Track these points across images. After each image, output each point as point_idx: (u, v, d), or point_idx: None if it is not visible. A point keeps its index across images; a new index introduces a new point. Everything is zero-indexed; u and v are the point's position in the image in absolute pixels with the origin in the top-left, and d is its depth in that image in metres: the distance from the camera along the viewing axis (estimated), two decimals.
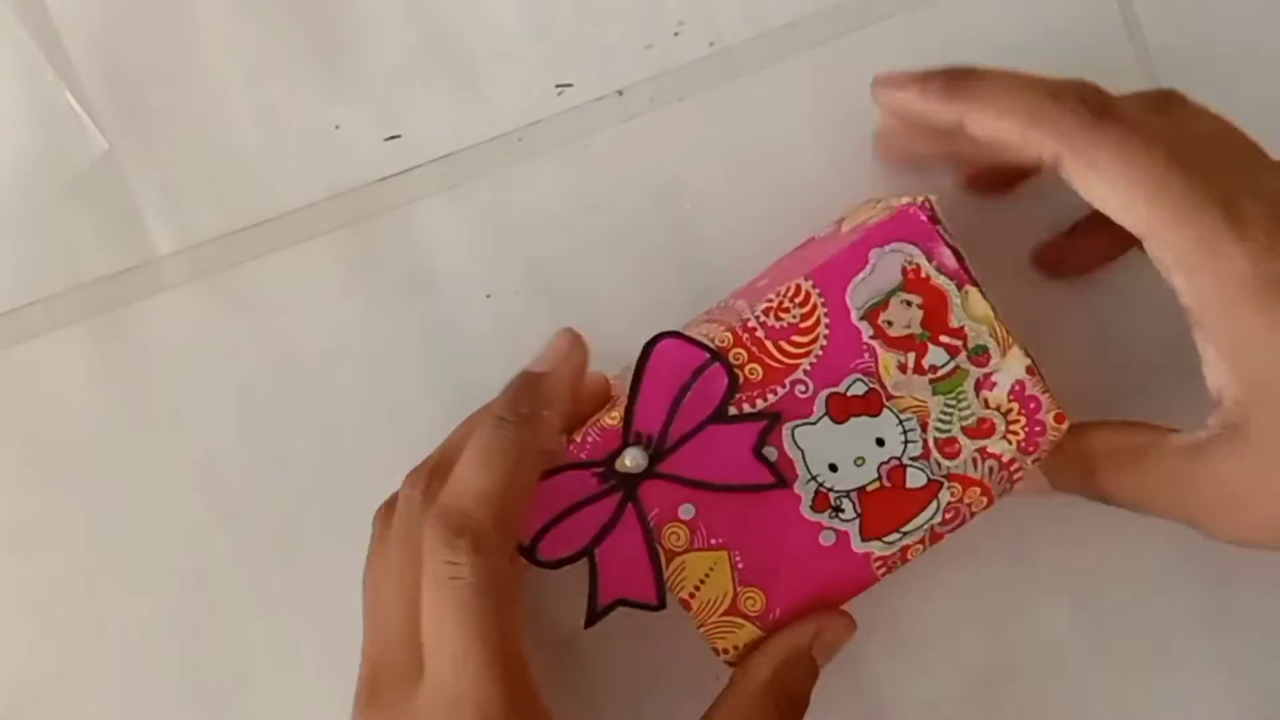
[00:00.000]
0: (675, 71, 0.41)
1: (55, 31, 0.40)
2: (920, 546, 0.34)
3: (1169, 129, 0.32)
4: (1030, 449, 0.34)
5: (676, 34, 0.41)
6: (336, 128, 0.41)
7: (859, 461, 0.34)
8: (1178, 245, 0.30)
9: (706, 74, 0.41)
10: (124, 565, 0.40)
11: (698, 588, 0.34)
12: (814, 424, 0.33)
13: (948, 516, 0.34)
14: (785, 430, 0.33)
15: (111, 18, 0.41)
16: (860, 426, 0.33)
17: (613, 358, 0.37)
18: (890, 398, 0.33)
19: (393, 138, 0.41)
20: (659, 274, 0.41)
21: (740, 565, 0.34)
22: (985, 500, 0.34)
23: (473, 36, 0.41)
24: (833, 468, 0.34)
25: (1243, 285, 0.30)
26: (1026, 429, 0.34)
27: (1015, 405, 0.33)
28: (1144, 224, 0.31)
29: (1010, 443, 0.34)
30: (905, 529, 0.34)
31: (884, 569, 0.34)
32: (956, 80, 0.34)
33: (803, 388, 0.33)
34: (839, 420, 0.33)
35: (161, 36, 0.41)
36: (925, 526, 0.34)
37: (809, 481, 0.34)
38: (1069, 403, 0.34)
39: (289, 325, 0.40)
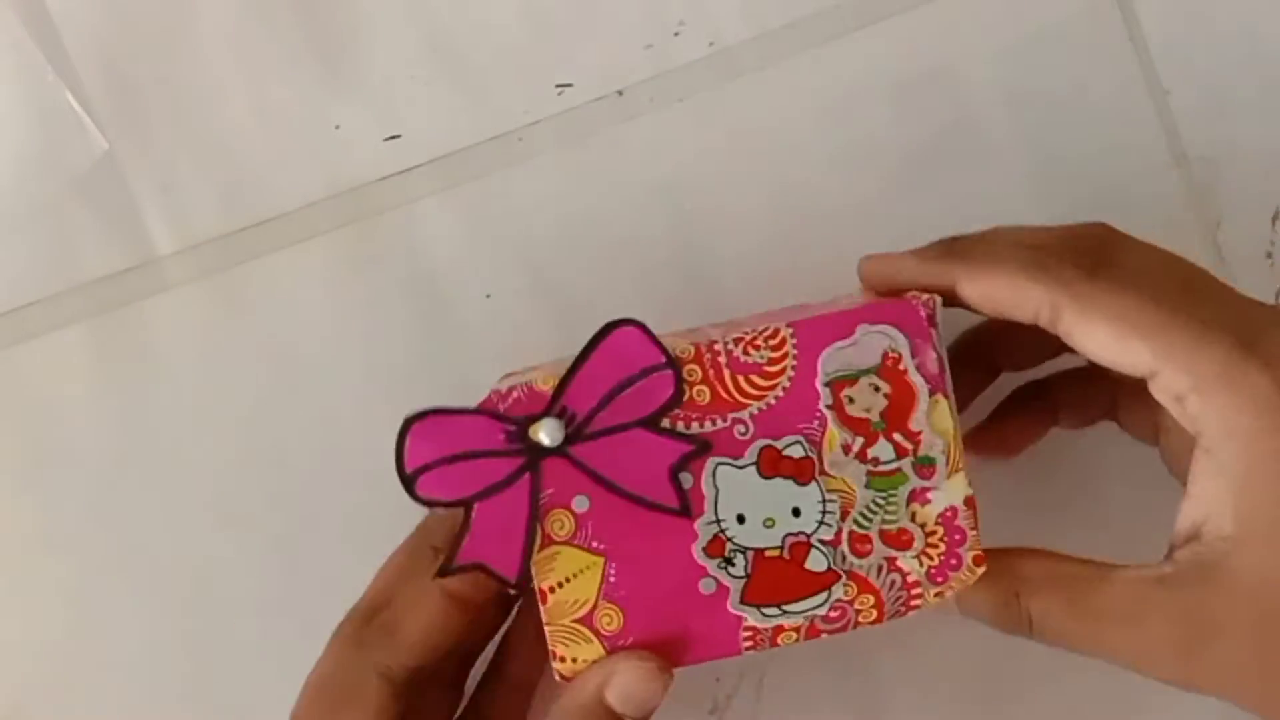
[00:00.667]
0: (675, 72, 0.41)
1: (55, 32, 0.40)
2: (794, 634, 0.32)
3: (1160, 266, 0.32)
4: (938, 579, 0.32)
5: (676, 34, 0.41)
6: (336, 128, 0.41)
7: (768, 523, 0.32)
8: (1196, 369, 0.29)
9: (706, 74, 0.41)
10: (124, 566, 0.40)
11: (561, 584, 0.32)
12: (739, 468, 0.32)
13: (833, 614, 0.32)
14: (709, 463, 0.32)
15: (112, 18, 0.41)
16: (783, 489, 0.32)
17: None
18: (823, 472, 0.32)
19: (393, 138, 0.41)
20: (658, 274, 0.41)
21: (612, 579, 0.32)
22: (875, 614, 0.32)
23: (473, 36, 0.41)
24: (740, 519, 0.32)
25: (1267, 407, 0.29)
26: (943, 557, 0.32)
27: (940, 529, 0.32)
28: (1155, 357, 0.30)
29: (921, 564, 0.32)
30: (787, 608, 0.32)
31: (751, 644, 0.32)
32: (951, 244, 0.33)
33: (742, 429, 0.32)
34: (765, 475, 0.32)
35: (162, 36, 0.41)
36: (807, 614, 0.32)
37: (711, 523, 0.32)
38: (998, 531, 0.33)
39: (288, 325, 0.40)
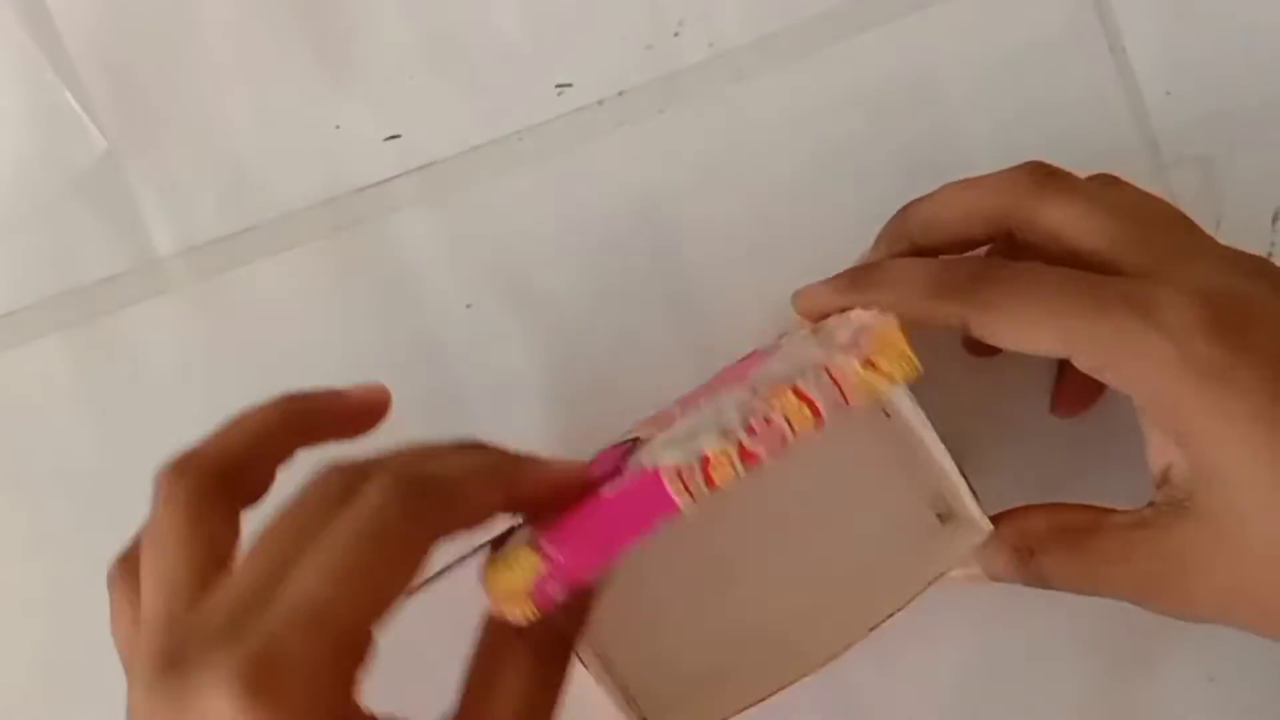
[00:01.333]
0: (676, 74, 0.41)
1: (56, 31, 0.40)
2: (727, 463, 0.28)
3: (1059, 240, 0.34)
4: (852, 351, 0.30)
5: (676, 34, 0.41)
6: (337, 127, 0.41)
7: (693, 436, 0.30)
8: (1098, 347, 0.31)
9: (706, 76, 0.41)
10: (105, 577, 0.40)
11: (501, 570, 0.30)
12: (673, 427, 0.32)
13: (753, 424, 0.29)
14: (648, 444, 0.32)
15: (112, 18, 0.41)
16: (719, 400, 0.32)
17: (591, 370, 0.36)
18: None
19: (393, 137, 0.41)
20: (643, 282, 0.41)
21: (543, 543, 0.29)
22: (807, 410, 0.29)
23: (473, 36, 0.41)
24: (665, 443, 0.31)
25: (1173, 372, 0.30)
26: (853, 336, 0.31)
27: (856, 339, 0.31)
28: (1061, 342, 0.31)
29: (828, 353, 0.30)
30: (693, 427, 0.30)
31: (684, 488, 0.28)
32: (859, 272, 0.35)
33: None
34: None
35: (162, 36, 0.41)
36: (718, 429, 0.29)
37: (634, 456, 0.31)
38: (1011, 486, 0.34)
39: (276, 331, 0.40)
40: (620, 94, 0.41)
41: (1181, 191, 0.42)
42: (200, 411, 0.40)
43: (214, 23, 0.41)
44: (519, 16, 0.41)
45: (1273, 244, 0.42)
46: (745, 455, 0.29)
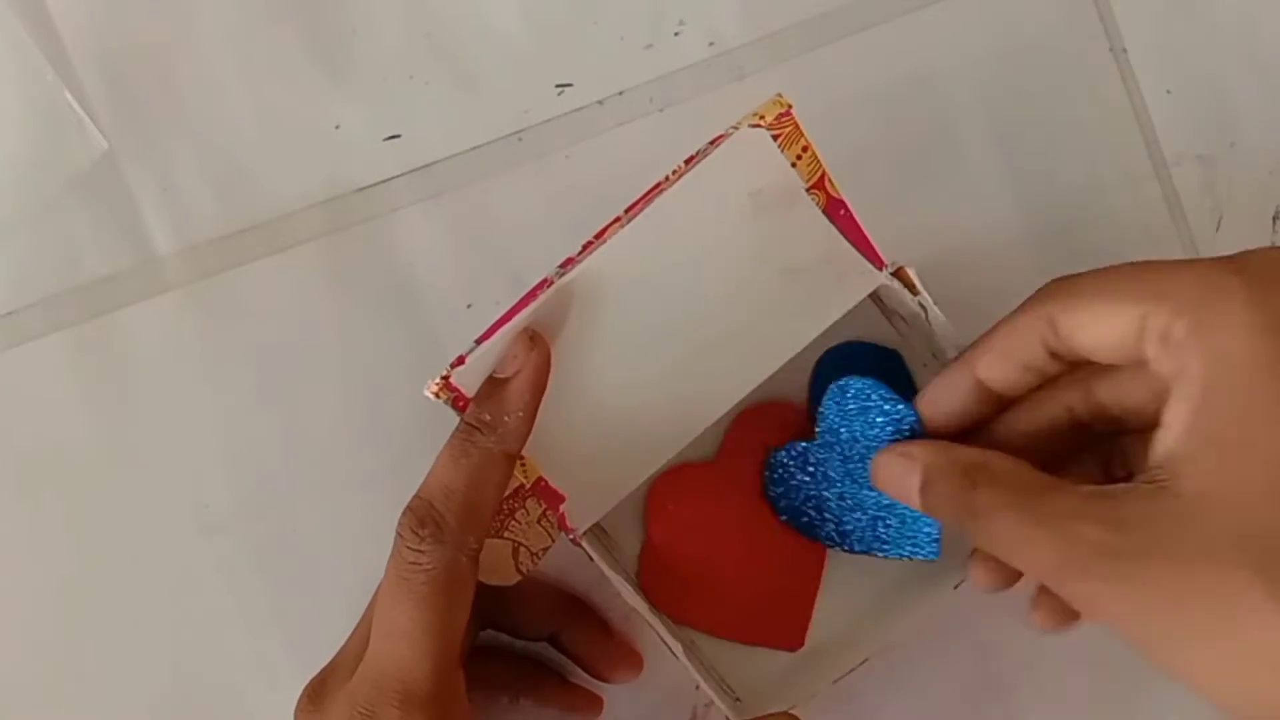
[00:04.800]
0: (676, 73, 0.41)
1: (55, 31, 0.40)
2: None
3: None
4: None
5: (677, 34, 0.41)
6: (336, 127, 0.41)
7: None
8: (1177, 296, 0.29)
9: (707, 75, 0.41)
10: (108, 573, 0.40)
11: None
12: None
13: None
14: None
15: (112, 18, 0.41)
16: None
17: None
18: None
19: (392, 137, 0.41)
20: None
21: None
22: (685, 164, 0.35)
23: (473, 36, 0.41)
24: None
25: (1237, 318, 0.28)
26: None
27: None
28: (1137, 302, 0.30)
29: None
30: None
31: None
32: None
33: None
34: None
35: (162, 37, 0.41)
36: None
37: None
38: None
39: (277, 331, 0.40)
40: (621, 93, 0.41)
41: (1182, 191, 0.42)
42: (199, 411, 0.40)
43: (214, 23, 0.41)
44: (519, 16, 0.41)
45: (1273, 244, 0.42)
46: (629, 210, 0.34)
